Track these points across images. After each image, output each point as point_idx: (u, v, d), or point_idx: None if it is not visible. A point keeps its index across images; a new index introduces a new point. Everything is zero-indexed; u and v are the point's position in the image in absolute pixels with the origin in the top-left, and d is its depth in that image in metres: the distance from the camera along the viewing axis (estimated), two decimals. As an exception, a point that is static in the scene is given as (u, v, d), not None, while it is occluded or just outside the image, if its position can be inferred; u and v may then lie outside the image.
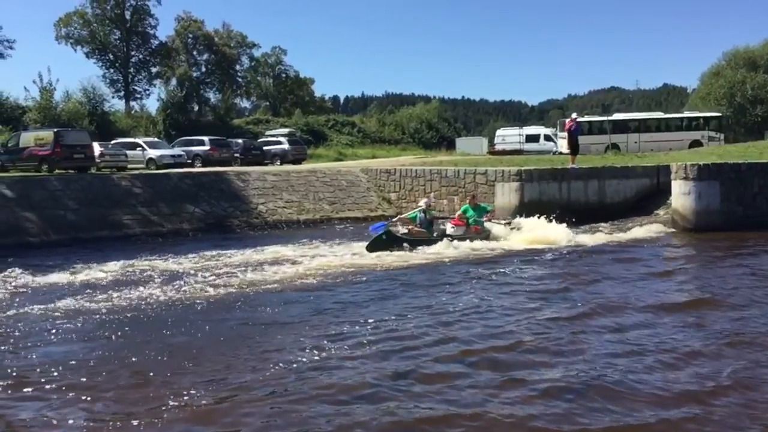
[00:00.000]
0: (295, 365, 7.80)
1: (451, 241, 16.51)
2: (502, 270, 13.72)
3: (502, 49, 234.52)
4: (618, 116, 44.57)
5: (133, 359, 8.25)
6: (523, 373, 7.49)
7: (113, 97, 54.43)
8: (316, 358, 8.06)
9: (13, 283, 13.03)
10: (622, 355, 8.06)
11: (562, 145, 36.96)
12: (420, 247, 16.06)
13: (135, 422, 6.41)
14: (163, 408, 6.67)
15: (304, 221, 23.43)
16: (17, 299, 11.59)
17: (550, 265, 14.50)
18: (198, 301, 11.24)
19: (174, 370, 7.76)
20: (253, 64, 68.74)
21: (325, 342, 8.66)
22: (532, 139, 45.38)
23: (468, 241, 16.73)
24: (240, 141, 38.20)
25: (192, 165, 31.97)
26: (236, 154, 35.11)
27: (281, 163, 35.73)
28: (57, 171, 25.10)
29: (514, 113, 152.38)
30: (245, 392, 7.02)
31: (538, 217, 18.64)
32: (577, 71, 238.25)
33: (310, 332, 9.24)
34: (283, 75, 71.34)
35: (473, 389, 7.03)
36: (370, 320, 9.75)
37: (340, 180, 26.80)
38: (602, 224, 20.35)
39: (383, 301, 11.21)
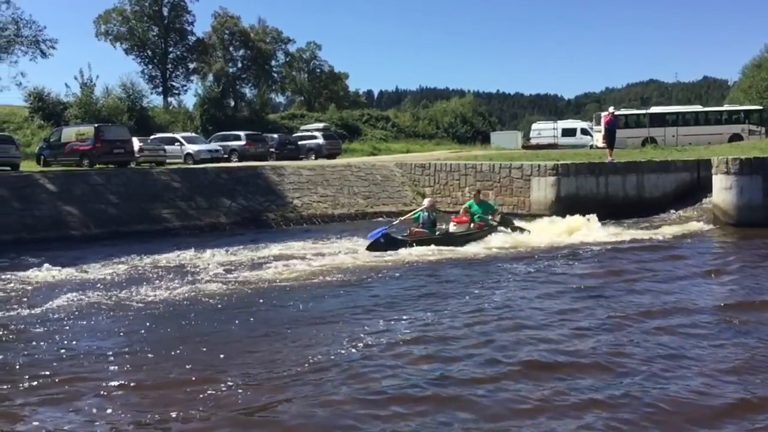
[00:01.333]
0: (333, 360, 7.83)
1: (460, 244, 15.82)
2: (535, 267, 13.55)
3: (538, 42, 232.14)
4: (655, 109, 43.79)
5: (170, 353, 8.33)
6: (563, 382, 7.13)
7: (152, 93, 55.42)
8: (353, 351, 8.11)
9: (54, 277, 13.32)
10: (666, 362, 7.62)
11: (598, 139, 36.48)
12: (422, 248, 15.34)
13: (173, 413, 6.52)
14: (201, 403, 6.72)
15: (339, 215, 23.52)
16: (56, 292, 11.80)
17: (586, 262, 14.27)
18: (233, 296, 11.37)
19: (210, 366, 7.82)
20: (288, 59, 69.09)
21: (361, 338, 8.65)
22: (569, 133, 44.82)
23: (477, 240, 16.23)
24: (275, 136, 38.47)
25: (228, 160, 32.35)
26: (271, 149, 35.36)
27: (316, 158, 35.89)
28: (98, 166, 25.61)
29: (550, 107, 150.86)
30: (284, 390, 7.02)
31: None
32: (615, 64, 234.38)
33: (344, 328, 9.28)
34: (318, 70, 71.61)
35: (508, 394, 6.81)
36: (404, 317, 9.73)
37: (375, 174, 26.83)
38: (641, 219, 20.09)
39: (416, 297, 11.16)
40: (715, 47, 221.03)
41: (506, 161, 24.71)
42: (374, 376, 7.31)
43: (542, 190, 22.07)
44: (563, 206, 20.50)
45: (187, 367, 7.79)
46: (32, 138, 38.88)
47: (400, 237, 15.97)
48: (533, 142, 45.26)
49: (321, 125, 45.61)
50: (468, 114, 63.99)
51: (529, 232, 17.44)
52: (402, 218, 17.44)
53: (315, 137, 38.98)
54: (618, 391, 6.83)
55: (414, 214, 17.03)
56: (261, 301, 11.03)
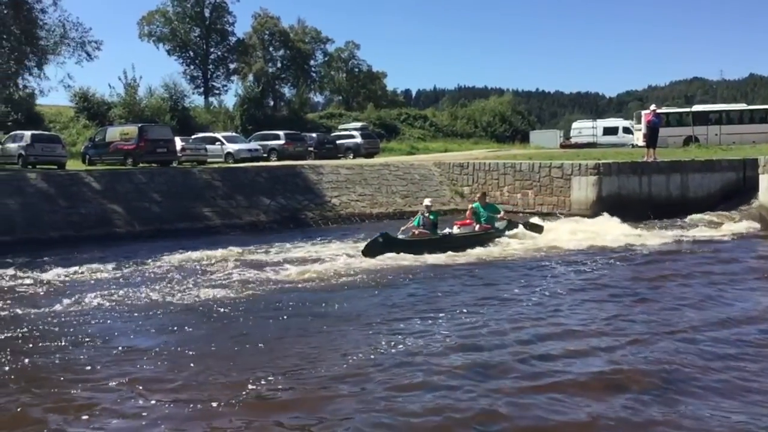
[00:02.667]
0: (372, 360, 7.82)
1: (464, 247, 15.28)
2: (572, 269, 13.27)
3: (579, 39, 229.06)
4: (698, 108, 42.88)
5: (207, 353, 8.39)
6: (613, 397, 6.70)
7: (193, 93, 56.24)
8: (391, 353, 8.08)
9: (101, 273, 13.60)
10: (724, 375, 7.21)
11: (639, 137, 35.90)
12: (425, 251, 14.76)
13: (213, 404, 6.61)
14: (241, 401, 6.75)
15: (377, 214, 23.56)
16: (96, 289, 12.03)
17: (629, 264, 13.93)
18: (267, 294, 11.47)
19: (247, 364, 7.84)
20: (326, 59, 69.46)
21: (399, 340, 8.61)
22: (611, 131, 44.32)
23: (482, 242, 15.74)
24: (314, 135, 38.70)
25: (268, 159, 32.67)
26: (310, 148, 35.57)
27: (354, 157, 36.02)
28: (141, 165, 26.09)
29: (591, 105, 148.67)
30: (323, 393, 6.97)
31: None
32: (658, 61, 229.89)
33: (381, 328, 9.30)
34: (356, 69, 71.77)
35: (554, 407, 6.50)
36: (440, 320, 9.62)
37: (413, 174, 26.83)
38: (685, 220, 19.71)
39: (451, 298, 11.03)
40: (762, 44, 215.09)
41: (546, 160, 24.45)
42: (412, 383, 7.13)
43: (583, 189, 21.78)
44: (605, 206, 20.19)
45: (225, 367, 7.79)
46: (78, 137, 39.82)
47: (400, 237, 15.44)
48: (573, 140, 44.82)
49: (359, 124, 45.78)
50: (507, 113, 63.42)
51: (542, 227, 17.01)
52: (403, 228, 16.41)
53: (353, 136, 39.15)
54: (673, 412, 6.38)
55: (413, 220, 16.36)
56: (296, 300, 11.05)
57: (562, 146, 44.21)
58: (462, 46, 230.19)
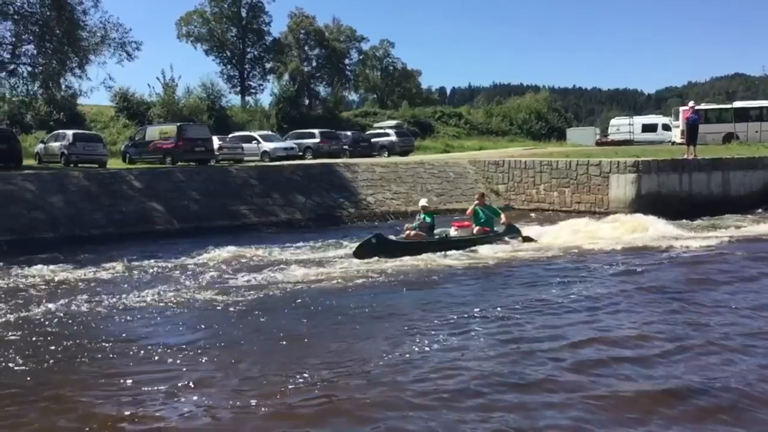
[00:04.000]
0: (408, 358, 7.79)
1: (461, 249, 14.89)
2: (610, 272, 12.94)
3: (616, 35, 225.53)
4: (738, 104, 41.91)
5: (241, 349, 8.46)
6: (666, 422, 6.21)
7: (230, 93, 56.90)
8: (428, 353, 8.05)
9: (138, 271, 13.82)
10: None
11: (677, 134, 35.25)
12: (419, 253, 14.41)
13: (254, 403, 6.68)
14: (271, 404, 6.72)
15: (412, 212, 23.47)
16: (136, 285, 12.25)
17: (669, 266, 13.53)
18: (296, 292, 11.51)
19: (278, 365, 7.81)
20: (361, 57, 69.64)
21: (432, 335, 8.59)
22: (649, 128, 43.63)
23: (481, 246, 15.20)
24: (349, 133, 38.85)
25: (303, 157, 32.87)
26: (345, 146, 35.71)
27: (389, 155, 36.03)
28: (180, 163, 26.48)
29: (629, 102, 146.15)
30: (356, 394, 6.92)
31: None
32: (698, 57, 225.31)
33: (417, 324, 9.30)
34: (391, 68, 71.82)
35: (590, 417, 6.26)
36: (474, 319, 9.54)
37: (448, 172, 26.76)
38: (727, 218, 19.32)
39: (484, 299, 10.90)
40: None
41: (583, 158, 24.16)
42: (447, 389, 6.96)
43: (621, 187, 21.48)
44: (644, 204, 19.91)
45: (256, 369, 7.76)
46: (118, 136, 40.57)
47: (395, 239, 15.10)
48: (611, 137, 44.33)
49: (394, 123, 45.85)
50: (543, 110, 62.69)
51: (536, 241, 16.10)
52: (406, 225, 16.11)
53: (388, 134, 39.23)
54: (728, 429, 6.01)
55: (413, 223, 15.94)
56: (326, 299, 11.03)
57: (598, 143, 43.73)
58: (497, 43, 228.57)
